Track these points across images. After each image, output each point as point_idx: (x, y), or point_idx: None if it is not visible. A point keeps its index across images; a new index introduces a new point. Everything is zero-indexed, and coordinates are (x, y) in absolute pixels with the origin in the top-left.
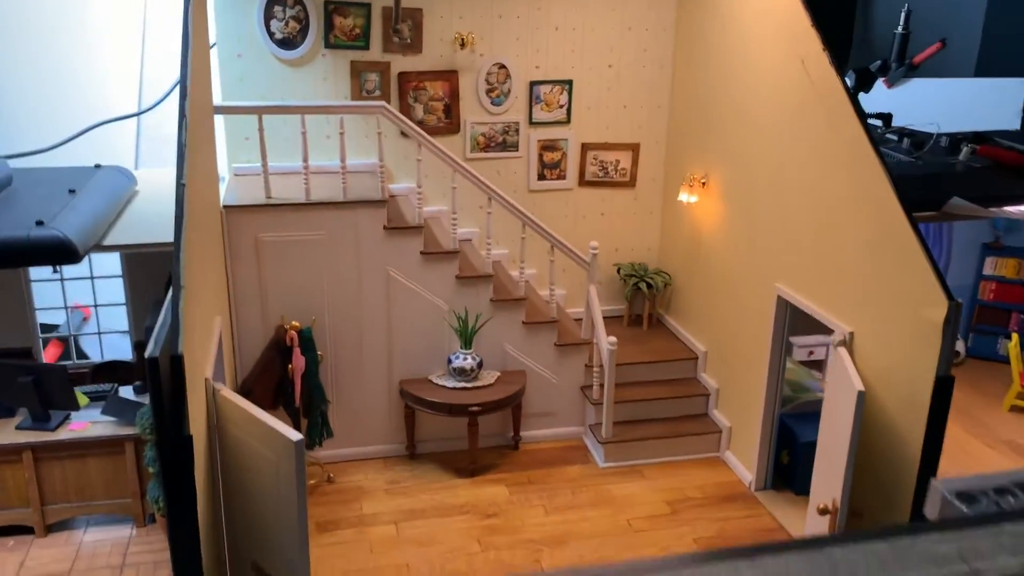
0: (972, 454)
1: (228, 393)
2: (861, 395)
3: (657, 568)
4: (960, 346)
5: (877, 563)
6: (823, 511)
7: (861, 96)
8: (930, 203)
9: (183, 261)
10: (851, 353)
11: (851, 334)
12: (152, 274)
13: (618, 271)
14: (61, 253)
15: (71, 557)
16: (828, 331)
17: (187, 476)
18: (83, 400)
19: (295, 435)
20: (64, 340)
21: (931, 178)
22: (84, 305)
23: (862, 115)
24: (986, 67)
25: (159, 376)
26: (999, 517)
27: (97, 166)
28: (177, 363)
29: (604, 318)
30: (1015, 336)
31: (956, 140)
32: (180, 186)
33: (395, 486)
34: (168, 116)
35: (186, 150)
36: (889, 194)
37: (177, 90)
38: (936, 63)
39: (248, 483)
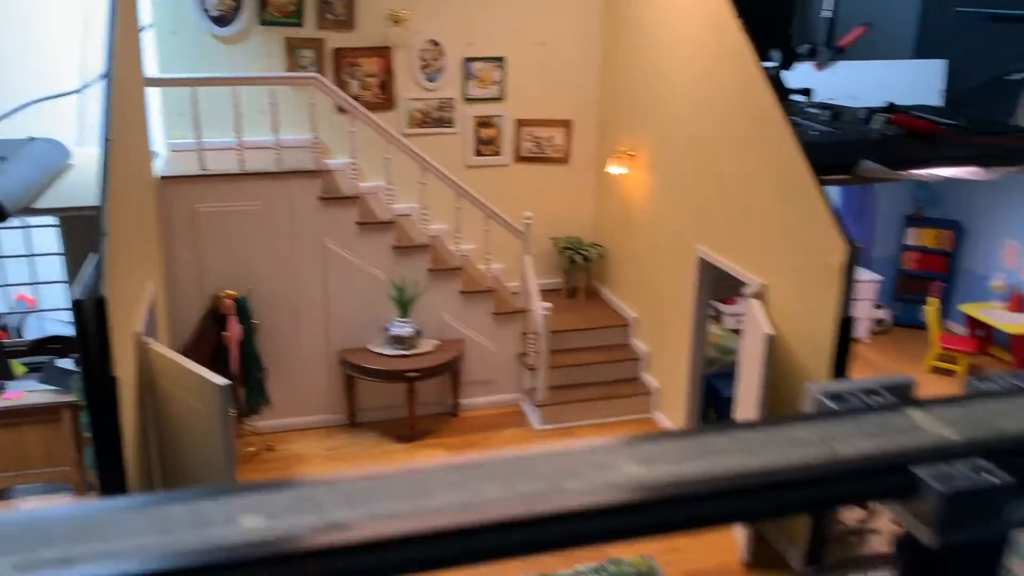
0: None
1: (156, 345)
2: (769, 337)
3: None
4: (886, 314)
5: (745, 445)
6: None
7: (798, 75)
8: (845, 168)
9: (107, 210)
10: (764, 303)
11: (764, 286)
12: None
13: (555, 245)
14: None
15: None
16: None
17: (112, 416)
18: (20, 369)
19: (221, 380)
20: (5, 328)
21: (846, 145)
22: (29, 297)
23: (778, 87)
24: (923, 49)
25: (84, 318)
26: (862, 411)
27: (31, 138)
28: (101, 305)
29: (543, 291)
30: (933, 301)
31: (872, 111)
32: (106, 141)
33: (334, 452)
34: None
35: (111, 107)
36: (796, 155)
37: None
38: (876, 46)
39: (180, 433)
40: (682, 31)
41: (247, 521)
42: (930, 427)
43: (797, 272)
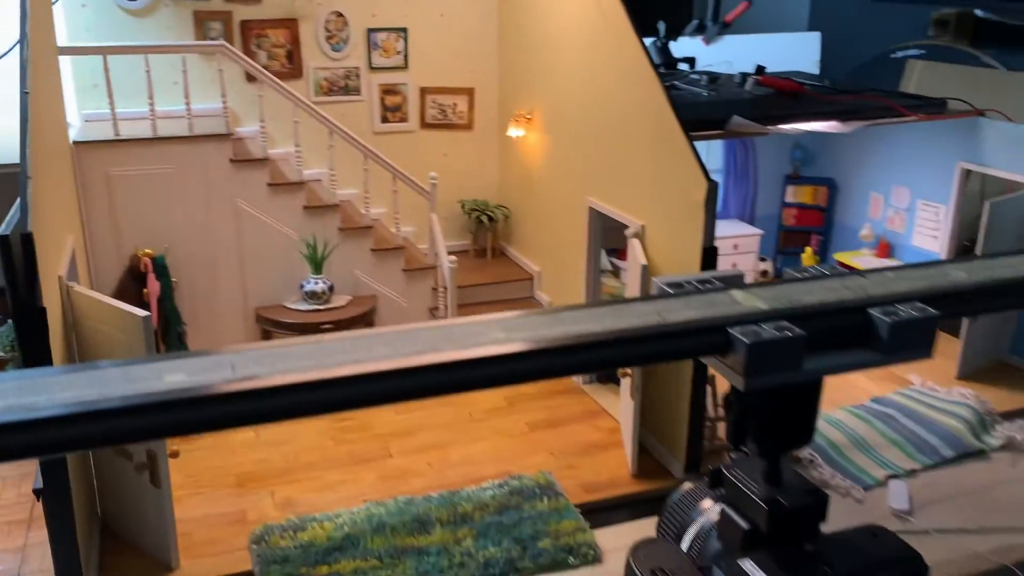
0: None
1: (79, 287)
2: (644, 267)
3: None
4: (769, 266)
5: (592, 317)
6: (624, 374)
7: (688, 47)
8: (720, 123)
9: (29, 156)
10: (643, 241)
11: (643, 227)
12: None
13: (462, 207)
14: None
15: None
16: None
17: (43, 346)
18: None
19: (142, 312)
20: None
21: (721, 104)
22: None
23: (666, 56)
24: (804, 24)
25: (11, 253)
26: (693, 293)
27: None
28: (28, 240)
29: (452, 252)
30: (808, 249)
31: (745, 76)
32: (24, 94)
33: None
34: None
35: (27, 65)
36: (668, 112)
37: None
38: (760, 21)
39: None
40: (570, 4)
41: (171, 377)
42: (746, 301)
43: (669, 211)
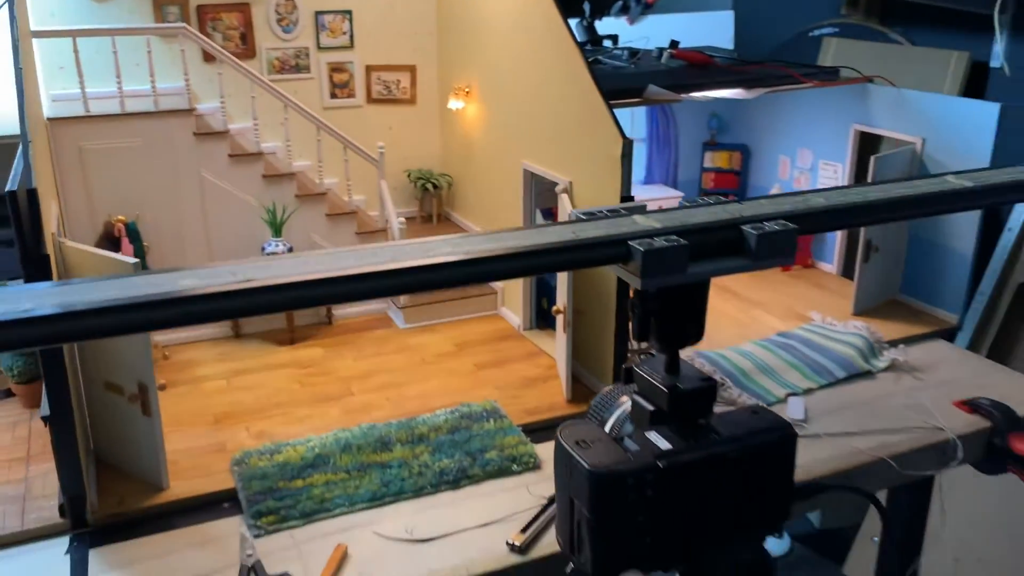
0: None
1: (69, 242)
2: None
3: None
4: None
5: (527, 235)
6: (557, 312)
7: (613, 25)
8: (638, 92)
9: (27, 120)
10: (570, 196)
11: (570, 183)
12: None
13: (408, 176)
14: None
15: None
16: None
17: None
18: None
19: (131, 259)
20: None
21: (639, 75)
22: None
23: (592, 33)
24: (733, 2)
25: (18, 207)
26: (603, 218)
27: None
28: (33, 195)
29: (401, 219)
30: None
31: (661, 50)
32: (18, 70)
33: (224, 355)
34: None
35: (18, 41)
36: (588, 80)
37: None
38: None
39: None
40: None
41: (185, 282)
42: (644, 222)
43: (593, 168)
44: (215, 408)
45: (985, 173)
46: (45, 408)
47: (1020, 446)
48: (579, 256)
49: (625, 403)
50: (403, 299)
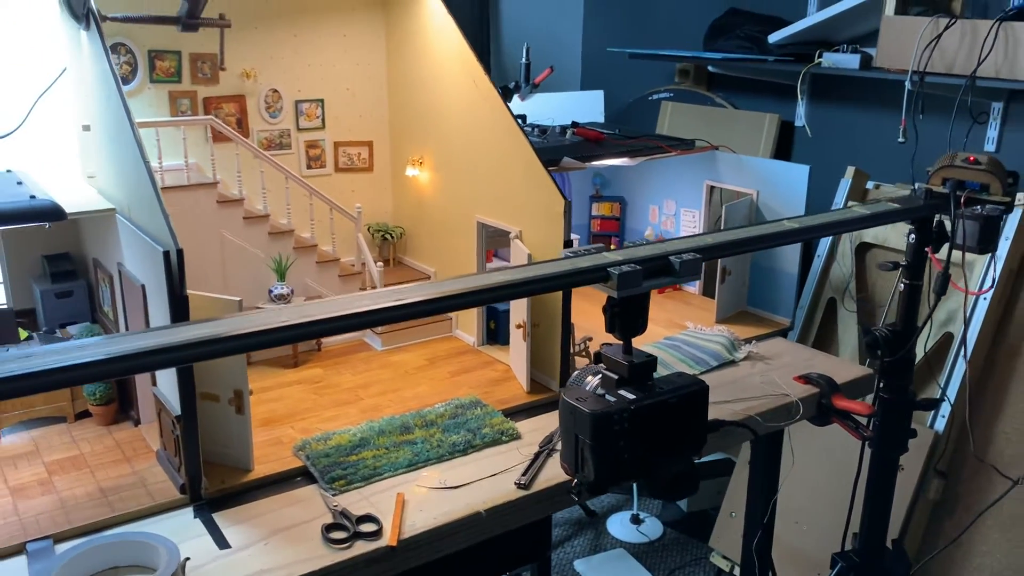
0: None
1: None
2: (529, 256)
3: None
4: None
5: (534, 270)
6: (518, 326)
7: (515, 104)
8: (555, 162)
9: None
10: (522, 240)
11: (520, 231)
12: (26, 253)
13: (369, 229)
14: (56, 214)
15: (32, 449)
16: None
17: None
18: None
19: (235, 298)
20: None
21: (552, 149)
22: None
23: (510, 111)
24: (586, 86)
25: (170, 262)
26: (584, 255)
27: (8, 171)
28: (180, 253)
29: (379, 264)
30: (612, 247)
31: (564, 128)
32: (143, 154)
33: None
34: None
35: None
36: (530, 152)
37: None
38: (557, 81)
39: None
40: (448, 78)
41: (282, 316)
42: (612, 256)
43: (539, 219)
44: (257, 415)
45: (805, 218)
46: (176, 408)
47: (839, 403)
48: (579, 278)
49: (598, 375)
50: (380, 327)
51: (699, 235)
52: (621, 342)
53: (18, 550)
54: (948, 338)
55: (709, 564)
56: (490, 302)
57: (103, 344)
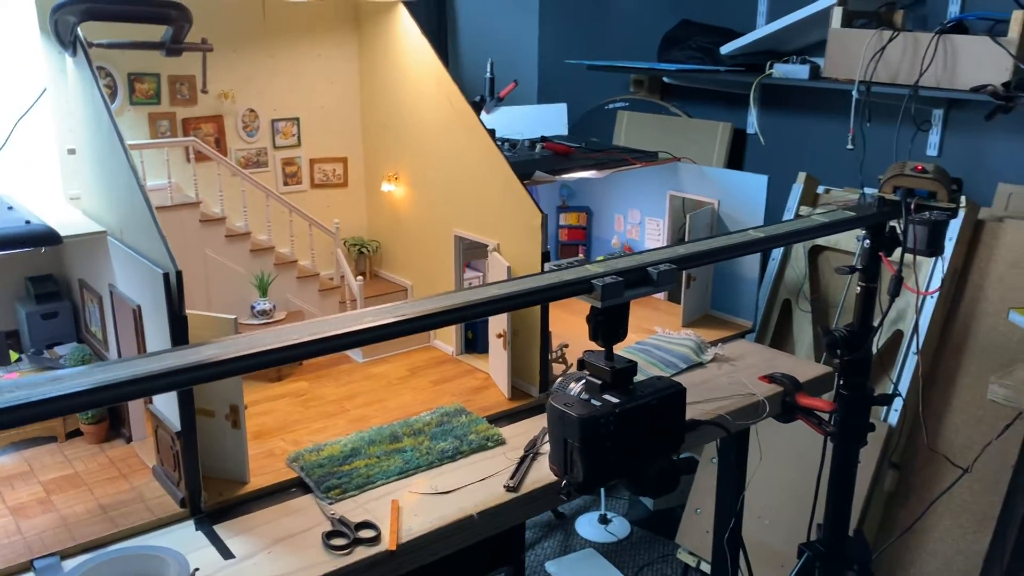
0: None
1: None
2: (508, 268)
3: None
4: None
5: (526, 283)
6: (499, 335)
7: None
8: (528, 176)
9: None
10: (500, 253)
11: (498, 244)
12: (9, 275)
13: (345, 243)
14: (53, 238)
15: (26, 469)
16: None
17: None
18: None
19: (229, 316)
20: None
21: (523, 163)
22: None
23: (484, 127)
24: (543, 97)
25: (170, 283)
26: (568, 268)
27: None
28: (179, 275)
29: (359, 278)
30: (580, 255)
31: (534, 142)
32: (137, 177)
33: None
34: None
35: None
36: (506, 168)
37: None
38: (518, 95)
39: None
40: (418, 88)
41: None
42: (595, 269)
43: (516, 232)
44: (248, 428)
45: (770, 227)
46: (176, 424)
47: (803, 401)
48: (565, 291)
49: (581, 380)
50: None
51: (673, 246)
52: (603, 349)
53: (25, 567)
54: (898, 336)
55: (676, 560)
56: (485, 315)
57: (124, 366)
